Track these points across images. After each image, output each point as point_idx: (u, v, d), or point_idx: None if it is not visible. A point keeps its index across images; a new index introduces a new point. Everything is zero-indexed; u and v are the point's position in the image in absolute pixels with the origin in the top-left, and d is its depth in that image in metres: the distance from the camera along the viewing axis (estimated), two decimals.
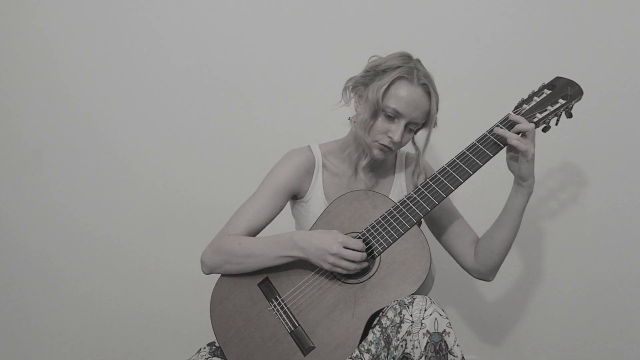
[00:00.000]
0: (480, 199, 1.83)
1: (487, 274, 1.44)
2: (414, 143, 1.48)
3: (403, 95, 1.33)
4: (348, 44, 1.94)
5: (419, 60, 1.41)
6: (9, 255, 2.11)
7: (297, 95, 2.00)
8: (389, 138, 1.36)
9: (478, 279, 1.47)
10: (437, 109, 1.39)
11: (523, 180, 1.30)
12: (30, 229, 2.10)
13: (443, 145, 1.88)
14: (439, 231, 1.52)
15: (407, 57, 1.39)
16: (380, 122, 1.36)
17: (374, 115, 1.36)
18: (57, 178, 2.08)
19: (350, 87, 1.45)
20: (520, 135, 1.27)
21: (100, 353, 2.14)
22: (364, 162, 1.42)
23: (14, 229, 2.11)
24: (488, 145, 1.29)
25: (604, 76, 1.89)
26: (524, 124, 1.26)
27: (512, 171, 1.32)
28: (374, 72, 1.38)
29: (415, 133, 1.44)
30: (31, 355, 2.14)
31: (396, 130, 1.35)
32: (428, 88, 1.35)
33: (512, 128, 1.28)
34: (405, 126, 1.36)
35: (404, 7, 1.95)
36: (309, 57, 2.00)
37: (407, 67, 1.35)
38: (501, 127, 1.28)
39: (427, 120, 1.39)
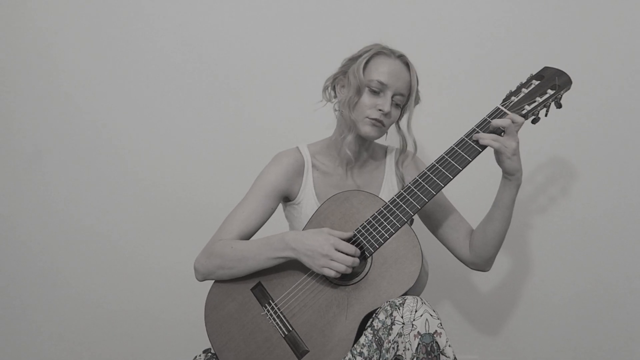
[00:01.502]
0: (474, 191, 1.81)
1: (483, 265, 1.43)
2: (398, 129, 1.50)
3: (384, 69, 1.37)
4: (341, 44, 1.91)
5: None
6: (8, 255, 2.13)
7: (299, 95, 1.99)
8: (379, 111, 1.37)
9: (475, 270, 1.46)
10: (417, 81, 1.41)
11: (509, 175, 1.28)
12: (30, 229, 2.12)
13: (438, 144, 1.86)
14: (433, 225, 1.50)
15: (378, 44, 1.44)
16: (367, 98, 1.38)
17: (358, 92, 1.38)
18: (57, 178, 2.09)
19: (330, 84, 1.47)
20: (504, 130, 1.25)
21: (98, 354, 2.15)
22: (349, 137, 1.42)
23: (14, 229, 2.12)
24: (476, 140, 1.26)
25: (600, 74, 1.88)
26: (499, 120, 1.25)
27: (499, 165, 1.29)
28: (349, 62, 1.43)
29: (401, 116, 1.46)
30: (30, 355, 2.16)
31: (384, 102, 1.37)
32: (405, 59, 1.41)
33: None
34: (391, 99, 1.38)
35: (400, 6, 1.94)
36: (307, 57, 1.99)
37: (382, 46, 1.41)
38: (477, 130, 1.28)
39: (409, 95, 1.41)
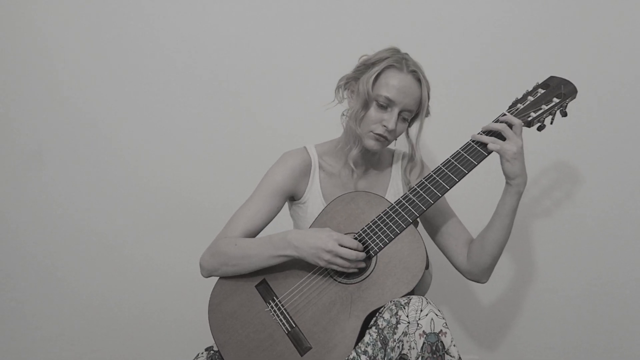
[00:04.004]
0: (477, 200, 1.82)
1: (480, 276, 1.42)
2: (407, 136, 1.49)
3: (394, 83, 1.35)
4: (345, 44, 1.94)
5: (407, 54, 1.42)
6: (8, 255, 2.11)
7: (298, 95, 2.01)
8: (384, 127, 1.36)
9: (471, 280, 1.45)
10: (428, 97, 1.40)
11: (510, 179, 1.28)
12: (30, 228, 2.10)
13: (439, 144, 1.88)
14: (432, 231, 1.51)
15: (395, 50, 1.42)
16: (374, 112, 1.37)
17: (365, 105, 1.37)
18: (57, 178, 2.08)
19: (343, 85, 1.46)
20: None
21: (98, 354, 2.14)
22: (354, 151, 1.42)
23: (14, 229, 2.11)
24: (481, 144, 1.29)
25: (601, 75, 1.89)
26: (493, 125, 1.28)
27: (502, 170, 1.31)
28: (364, 67, 1.40)
29: (410, 125, 1.45)
30: (31, 355, 2.14)
31: (390, 118, 1.36)
32: (418, 75, 1.38)
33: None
34: (399, 115, 1.37)
35: (400, 6, 1.95)
36: (307, 57, 2.00)
37: (396, 57, 1.38)
38: (480, 133, 1.30)
39: (419, 109, 1.40)
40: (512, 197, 1.30)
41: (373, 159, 1.51)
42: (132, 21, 2.01)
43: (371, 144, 1.39)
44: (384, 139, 1.39)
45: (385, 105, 1.36)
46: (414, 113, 1.40)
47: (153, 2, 2.01)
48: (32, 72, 2.03)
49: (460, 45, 1.95)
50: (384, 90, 1.35)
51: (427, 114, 1.43)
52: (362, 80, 1.38)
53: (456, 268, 1.48)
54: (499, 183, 1.34)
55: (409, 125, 1.46)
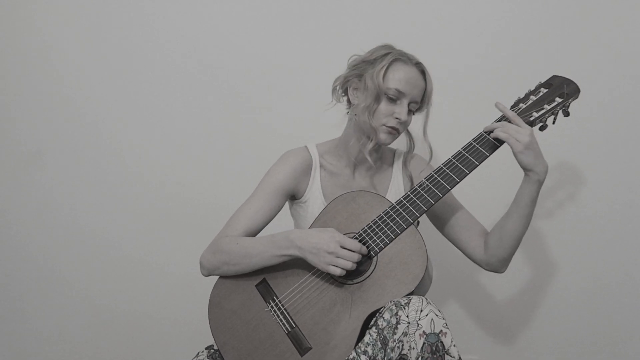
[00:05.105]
0: (491, 192, 1.83)
1: (499, 266, 1.41)
2: (407, 131, 1.50)
3: (402, 76, 1.37)
4: (345, 44, 1.92)
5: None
6: (8, 255, 2.12)
7: (298, 95, 2.00)
8: (396, 119, 1.38)
9: (489, 270, 1.44)
10: (431, 87, 1.42)
11: (528, 170, 1.27)
12: (30, 228, 2.11)
13: (440, 144, 1.87)
14: (443, 226, 1.50)
15: (390, 46, 1.44)
16: (384, 106, 1.38)
17: (377, 99, 1.38)
18: (57, 178, 2.08)
19: (339, 85, 1.47)
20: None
21: (99, 354, 2.14)
22: (369, 145, 1.41)
23: (14, 228, 2.11)
24: (484, 144, 1.28)
25: (601, 75, 1.89)
26: (494, 124, 1.28)
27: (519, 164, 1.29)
28: (363, 64, 1.41)
29: (413, 114, 1.46)
30: (31, 355, 2.14)
31: (401, 110, 1.38)
32: (422, 66, 1.41)
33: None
34: (407, 107, 1.39)
35: (400, 6, 1.95)
36: (307, 57, 2.00)
37: (397, 52, 1.41)
38: (484, 134, 1.30)
39: (423, 99, 1.42)
40: (533, 187, 1.28)
41: (376, 155, 1.50)
42: (132, 21, 2.02)
43: (384, 137, 1.40)
44: (396, 132, 1.41)
45: (395, 97, 1.38)
46: (419, 105, 1.43)
47: (153, 2, 2.01)
48: (32, 72, 2.03)
49: (460, 45, 1.95)
50: (393, 83, 1.37)
51: (430, 104, 1.45)
52: (368, 76, 1.38)
53: (473, 260, 1.46)
54: (512, 175, 1.33)
55: (413, 114, 1.47)
